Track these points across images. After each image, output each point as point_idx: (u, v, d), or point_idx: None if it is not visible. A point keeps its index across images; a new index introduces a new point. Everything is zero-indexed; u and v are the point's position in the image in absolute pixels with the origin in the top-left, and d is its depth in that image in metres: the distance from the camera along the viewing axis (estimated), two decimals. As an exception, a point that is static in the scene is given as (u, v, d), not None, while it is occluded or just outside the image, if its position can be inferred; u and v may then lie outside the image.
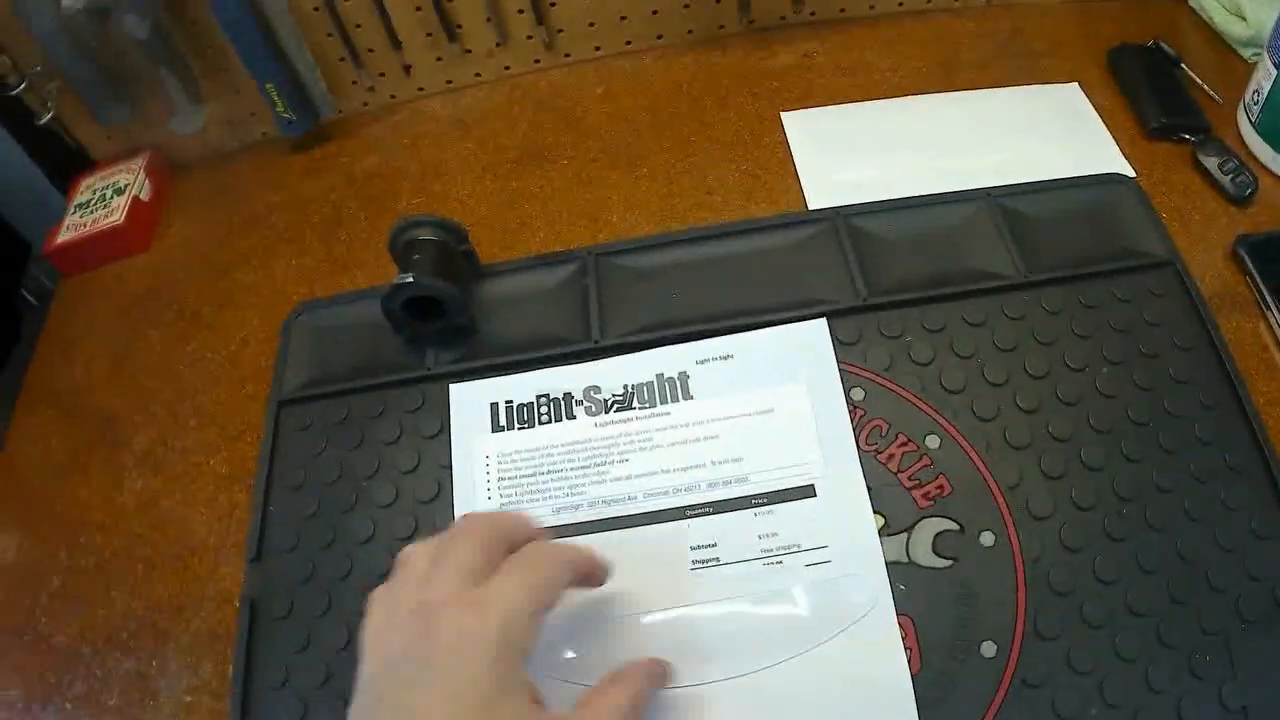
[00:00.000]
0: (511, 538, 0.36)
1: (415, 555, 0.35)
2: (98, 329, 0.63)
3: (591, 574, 0.38)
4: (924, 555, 0.43)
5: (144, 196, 0.66)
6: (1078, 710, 0.39)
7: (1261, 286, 0.50)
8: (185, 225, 0.67)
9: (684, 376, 0.48)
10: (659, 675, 0.38)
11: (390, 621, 0.33)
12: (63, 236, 0.66)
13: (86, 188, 0.69)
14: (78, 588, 0.52)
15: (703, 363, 0.48)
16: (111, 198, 0.66)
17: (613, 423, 0.47)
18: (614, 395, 0.48)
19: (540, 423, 0.47)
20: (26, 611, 0.52)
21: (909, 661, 0.40)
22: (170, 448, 0.55)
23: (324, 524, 0.47)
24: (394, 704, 0.31)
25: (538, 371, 0.49)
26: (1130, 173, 0.57)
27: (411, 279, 0.46)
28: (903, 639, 0.40)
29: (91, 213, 0.66)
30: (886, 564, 0.42)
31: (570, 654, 0.41)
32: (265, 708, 0.43)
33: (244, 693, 0.44)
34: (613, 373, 0.48)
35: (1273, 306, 0.50)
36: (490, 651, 0.31)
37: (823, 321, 0.49)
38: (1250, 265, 0.51)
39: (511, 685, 0.31)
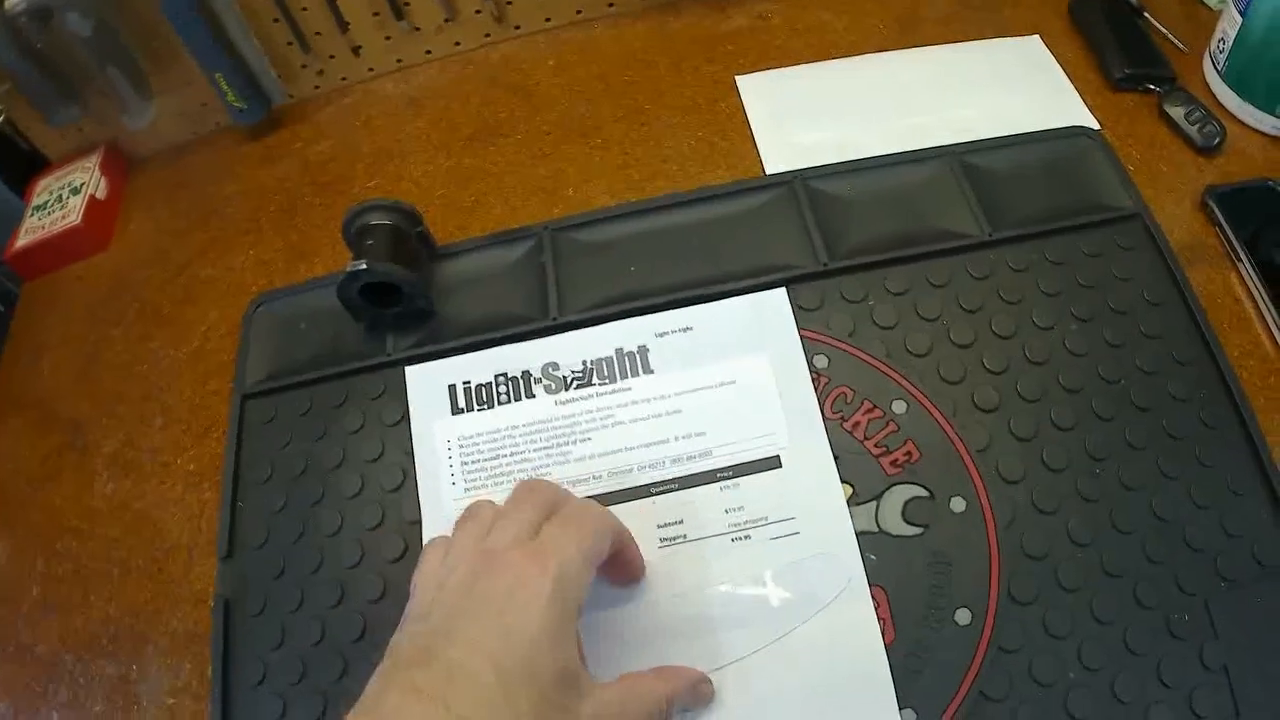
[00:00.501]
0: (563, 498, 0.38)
1: (480, 509, 0.37)
2: (62, 332, 0.62)
3: (630, 544, 0.40)
4: (894, 524, 0.42)
5: (100, 195, 0.65)
6: (1056, 675, 0.39)
7: (1232, 237, 0.50)
8: (143, 221, 0.66)
9: (643, 350, 0.47)
10: (704, 690, 0.39)
11: (448, 563, 0.34)
12: (21, 241, 0.65)
13: (43, 189, 0.68)
14: (57, 595, 0.52)
15: (662, 335, 0.47)
16: (68, 198, 0.65)
17: (573, 400, 0.46)
18: (573, 372, 0.47)
19: (499, 403, 0.47)
20: (8, 623, 0.52)
21: (883, 633, 0.40)
22: (139, 449, 0.55)
23: (293, 518, 0.47)
24: (446, 629, 0.31)
25: (494, 350, 0.48)
26: (1095, 125, 0.56)
27: (365, 266, 0.46)
28: (875, 610, 0.40)
29: (49, 214, 0.65)
30: (856, 534, 0.42)
31: None
32: (245, 707, 0.43)
33: (223, 693, 0.44)
34: (571, 348, 0.48)
35: (1244, 257, 0.49)
36: (545, 597, 0.32)
37: (782, 290, 0.48)
38: (1220, 216, 0.51)
39: (561, 633, 0.32)
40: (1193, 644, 0.39)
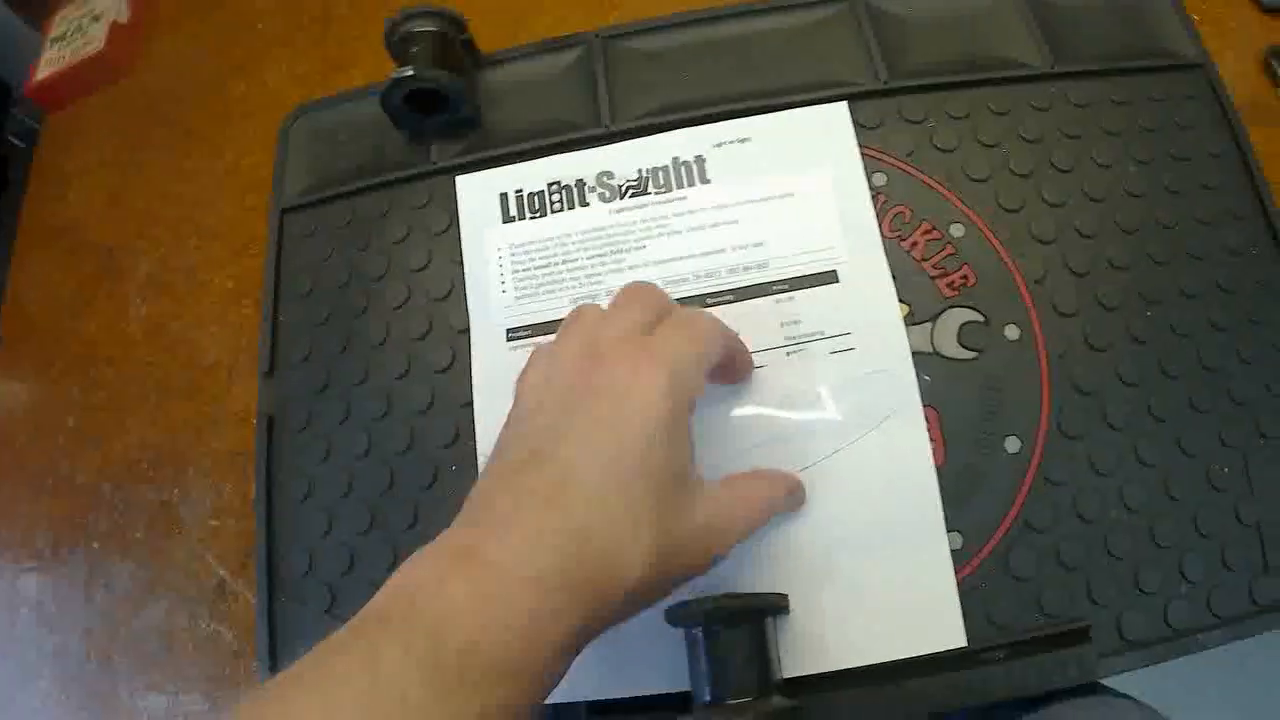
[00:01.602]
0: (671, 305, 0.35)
1: (585, 312, 0.35)
2: (90, 161, 0.61)
3: (740, 349, 0.38)
4: (949, 346, 0.42)
5: (122, 19, 0.63)
6: (1098, 512, 0.39)
7: (1293, 101, 0.48)
8: (169, 43, 0.64)
9: (700, 160, 0.46)
10: (799, 494, 0.38)
11: (555, 366, 0.32)
12: (42, 73, 0.63)
13: (62, 20, 0.66)
14: (94, 424, 0.52)
15: (720, 146, 0.46)
16: (88, 26, 0.63)
17: (628, 209, 0.45)
18: (628, 180, 0.46)
19: (552, 211, 0.46)
20: (47, 454, 0.52)
21: (934, 454, 0.39)
22: (174, 269, 0.54)
23: (336, 330, 0.46)
24: (555, 426, 0.30)
25: (548, 158, 0.47)
26: (1160, -32, 0.53)
27: (411, 72, 0.44)
28: (928, 430, 0.40)
29: (70, 44, 0.63)
30: (912, 353, 0.41)
31: None
32: (291, 523, 0.43)
33: (268, 510, 0.44)
34: (626, 157, 0.46)
35: (1305, 122, 0.47)
36: (659, 392, 0.30)
37: (843, 104, 0.46)
38: None
39: (676, 431, 0.30)
40: (1230, 496, 0.39)
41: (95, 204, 0.59)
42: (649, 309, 0.34)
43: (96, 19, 0.63)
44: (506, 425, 0.32)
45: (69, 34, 0.64)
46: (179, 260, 0.54)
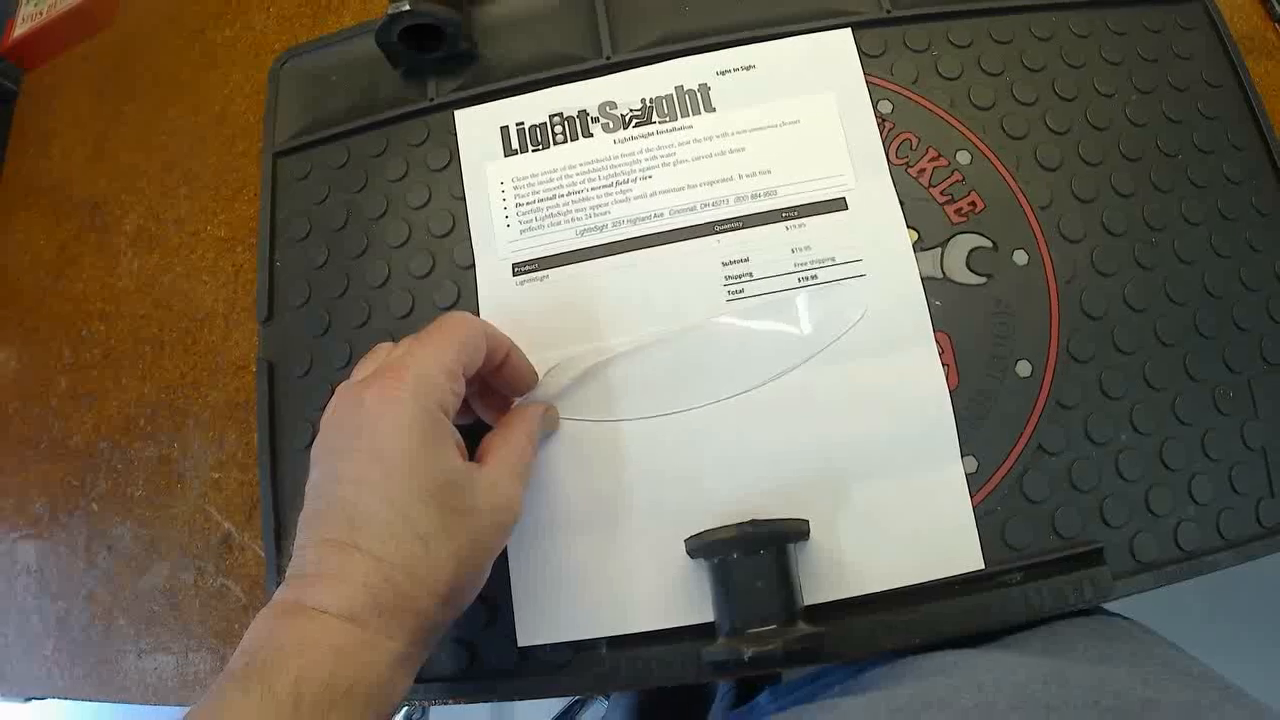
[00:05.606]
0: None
1: (376, 349, 0.37)
2: (71, 116, 0.59)
3: (514, 353, 0.39)
4: (958, 271, 0.42)
5: (99, -31, 0.61)
6: (1109, 434, 0.39)
7: (1290, 35, 0.48)
8: (148, -9, 0.62)
9: (705, 88, 0.45)
10: (552, 415, 0.40)
11: (327, 421, 0.34)
12: (20, 30, 0.61)
13: (37, -26, 0.63)
14: (87, 383, 0.51)
15: (724, 73, 0.45)
16: (66, -22, 0.61)
17: (632, 139, 0.44)
18: (631, 110, 0.45)
19: (555, 143, 0.45)
20: (38, 419, 0.51)
21: (946, 377, 0.40)
22: (163, 221, 0.52)
23: (335, 272, 0.45)
24: (332, 473, 0.32)
25: (547, 90, 0.46)
26: (1159, -102, 0.53)
27: (408, 6, 0.43)
28: (940, 355, 0.40)
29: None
30: (921, 278, 0.41)
31: (623, 392, 0.41)
32: (294, 470, 0.43)
33: (272, 459, 0.43)
34: (629, 87, 0.45)
35: (1302, 56, 0.47)
36: (408, 409, 0.32)
37: (847, 31, 0.46)
38: (1278, 10, 0.49)
39: (434, 441, 0.32)
40: (1236, 420, 0.40)
41: (78, 160, 0.57)
42: (407, 340, 0.35)
43: (72, -29, 0.61)
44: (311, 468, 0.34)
45: (44, -12, 0.62)
46: (168, 211, 0.52)
